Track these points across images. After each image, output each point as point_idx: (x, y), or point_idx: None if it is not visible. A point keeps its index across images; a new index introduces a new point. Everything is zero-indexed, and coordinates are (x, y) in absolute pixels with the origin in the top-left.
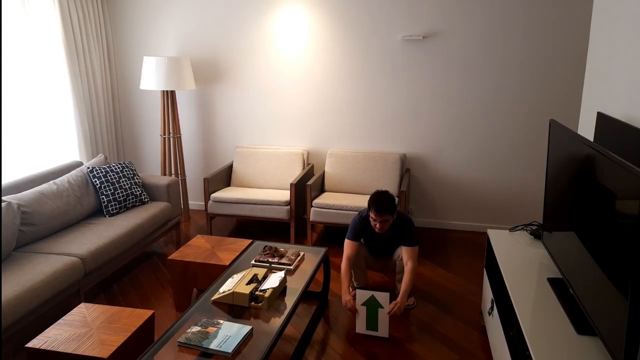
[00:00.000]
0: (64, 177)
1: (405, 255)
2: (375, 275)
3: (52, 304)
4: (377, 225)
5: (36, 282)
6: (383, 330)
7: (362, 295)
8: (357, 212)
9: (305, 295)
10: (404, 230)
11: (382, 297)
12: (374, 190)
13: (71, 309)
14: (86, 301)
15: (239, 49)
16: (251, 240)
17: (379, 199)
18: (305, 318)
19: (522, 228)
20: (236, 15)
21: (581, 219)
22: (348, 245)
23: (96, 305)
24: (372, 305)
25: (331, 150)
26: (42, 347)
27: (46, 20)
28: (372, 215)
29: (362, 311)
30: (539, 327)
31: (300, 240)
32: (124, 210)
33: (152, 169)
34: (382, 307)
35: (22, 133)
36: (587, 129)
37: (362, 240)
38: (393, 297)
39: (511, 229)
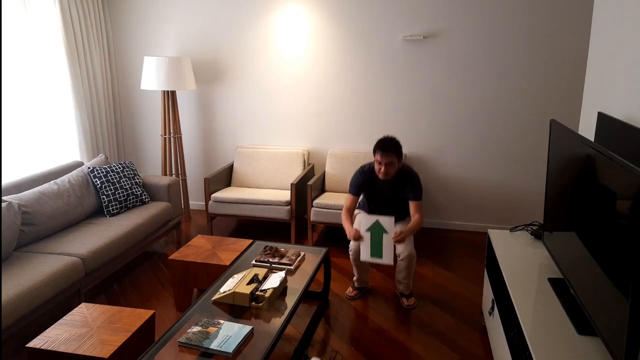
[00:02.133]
0: (65, 177)
1: (412, 208)
2: (376, 275)
3: (52, 304)
4: (382, 169)
5: (37, 282)
6: (388, 257)
7: (367, 220)
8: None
9: (306, 296)
10: (409, 181)
11: (387, 221)
12: None
13: (72, 309)
14: (87, 301)
15: (240, 49)
16: (252, 240)
17: (385, 140)
18: (306, 318)
19: (523, 228)
20: (237, 15)
21: (582, 219)
22: (348, 198)
23: (97, 305)
24: (377, 231)
25: (332, 151)
26: (42, 347)
27: (47, 20)
28: (377, 158)
29: (366, 237)
30: (540, 327)
31: (300, 240)
32: (124, 210)
33: (152, 169)
34: (387, 232)
35: (23, 133)
36: (587, 129)
37: (364, 201)
38: (394, 297)
39: (512, 229)
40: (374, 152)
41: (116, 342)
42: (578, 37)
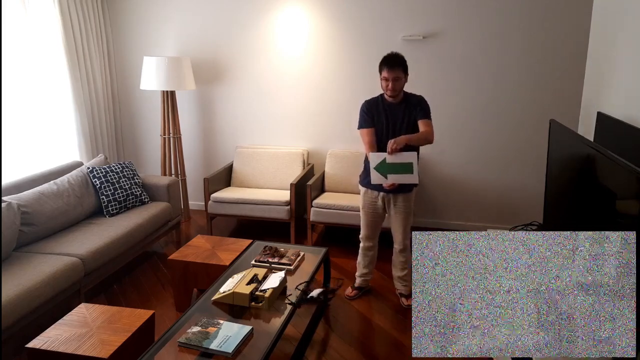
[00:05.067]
0: (64, 177)
1: (422, 127)
2: (376, 275)
3: (52, 304)
4: (390, 86)
5: (36, 282)
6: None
7: (375, 158)
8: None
9: None
10: (418, 102)
11: (382, 156)
12: None
13: (71, 309)
14: (86, 301)
15: (240, 49)
16: (251, 241)
17: (390, 56)
18: (306, 318)
19: (522, 227)
20: (237, 15)
21: (581, 218)
22: (364, 133)
23: (96, 306)
24: (382, 165)
25: (331, 151)
26: (42, 347)
27: (46, 20)
28: (384, 75)
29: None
30: None
31: (300, 240)
32: (124, 211)
33: (152, 169)
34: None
35: (23, 133)
36: (587, 129)
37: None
38: (394, 297)
39: (511, 229)
40: (380, 69)
41: (116, 342)
42: (578, 37)
